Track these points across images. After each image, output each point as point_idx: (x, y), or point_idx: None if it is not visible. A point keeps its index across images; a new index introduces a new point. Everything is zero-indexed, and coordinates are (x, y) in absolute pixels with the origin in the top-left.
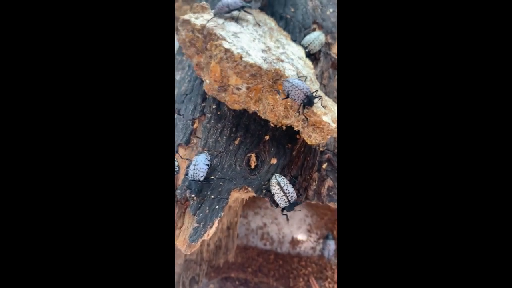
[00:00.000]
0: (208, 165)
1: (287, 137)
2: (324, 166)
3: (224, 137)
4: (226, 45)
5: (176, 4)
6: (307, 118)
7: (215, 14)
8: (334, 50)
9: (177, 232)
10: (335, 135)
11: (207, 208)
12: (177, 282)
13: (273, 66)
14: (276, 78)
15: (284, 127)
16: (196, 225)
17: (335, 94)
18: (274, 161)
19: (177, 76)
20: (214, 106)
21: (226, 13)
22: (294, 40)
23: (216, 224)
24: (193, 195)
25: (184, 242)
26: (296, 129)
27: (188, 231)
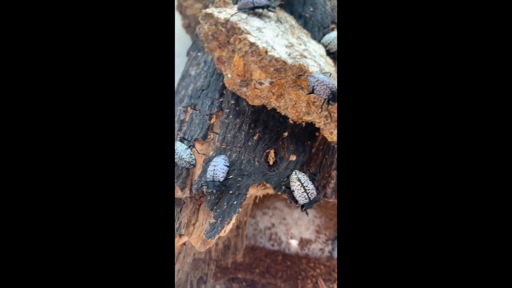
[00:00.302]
0: (227, 166)
1: (307, 134)
2: None
3: (243, 133)
4: (251, 39)
5: (188, 2)
6: (330, 114)
7: (239, 9)
8: None
9: (190, 228)
10: None
11: (225, 203)
12: (185, 281)
13: (297, 61)
14: (300, 74)
15: (303, 124)
16: (213, 221)
17: None
18: (293, 158)
19: (192, 72)
20: (232, 102)
21: (250, 9)
22: (313, 38)
23: (234, 221)
24: (214, 191)
25: (198, 239)
26: (317, 125)
27: (204, 227)
